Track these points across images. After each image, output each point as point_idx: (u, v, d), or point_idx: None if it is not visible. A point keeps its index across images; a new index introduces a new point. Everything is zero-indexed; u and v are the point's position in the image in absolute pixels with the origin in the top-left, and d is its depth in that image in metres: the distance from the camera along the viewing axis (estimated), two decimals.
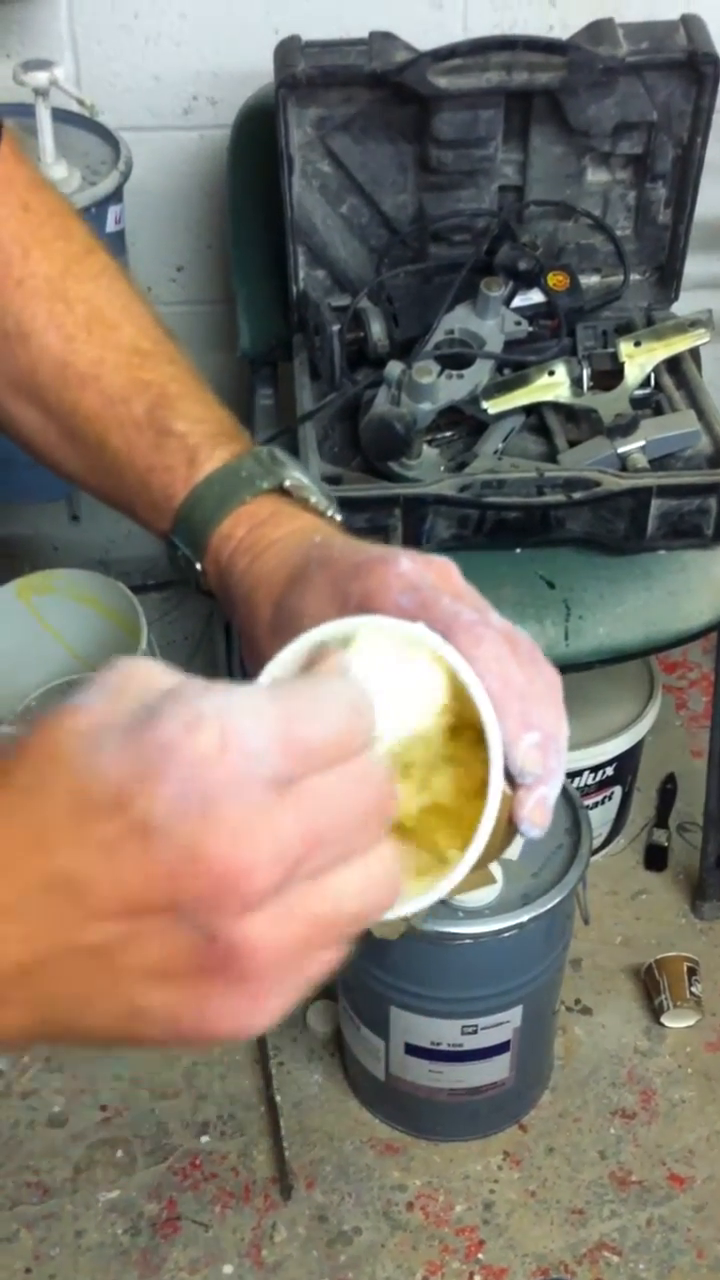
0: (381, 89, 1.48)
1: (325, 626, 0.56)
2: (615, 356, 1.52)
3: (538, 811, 0.60)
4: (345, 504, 0.71)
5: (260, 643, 0.66)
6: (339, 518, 0.71)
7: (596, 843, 1.80)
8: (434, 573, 0.61)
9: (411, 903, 0.55)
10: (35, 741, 0.45)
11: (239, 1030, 0.46)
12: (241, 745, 0.43)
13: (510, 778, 0.59)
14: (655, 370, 1.52)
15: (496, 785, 0.55)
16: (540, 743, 0.59)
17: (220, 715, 0.43)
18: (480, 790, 0.56)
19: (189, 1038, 0.46)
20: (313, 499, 0.71)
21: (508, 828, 0.60)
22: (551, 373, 1.50)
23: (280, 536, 0.68)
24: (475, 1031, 1.45)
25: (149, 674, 0.46)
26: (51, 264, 0.77)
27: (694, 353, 1.56)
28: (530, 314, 1.54)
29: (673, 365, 1.55)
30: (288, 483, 0.70)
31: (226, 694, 0.44)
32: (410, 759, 0.57)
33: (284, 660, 0.56)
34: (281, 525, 0.69)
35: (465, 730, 0.57)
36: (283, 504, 0.70)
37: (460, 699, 0.56)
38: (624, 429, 1.46)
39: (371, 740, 0.47)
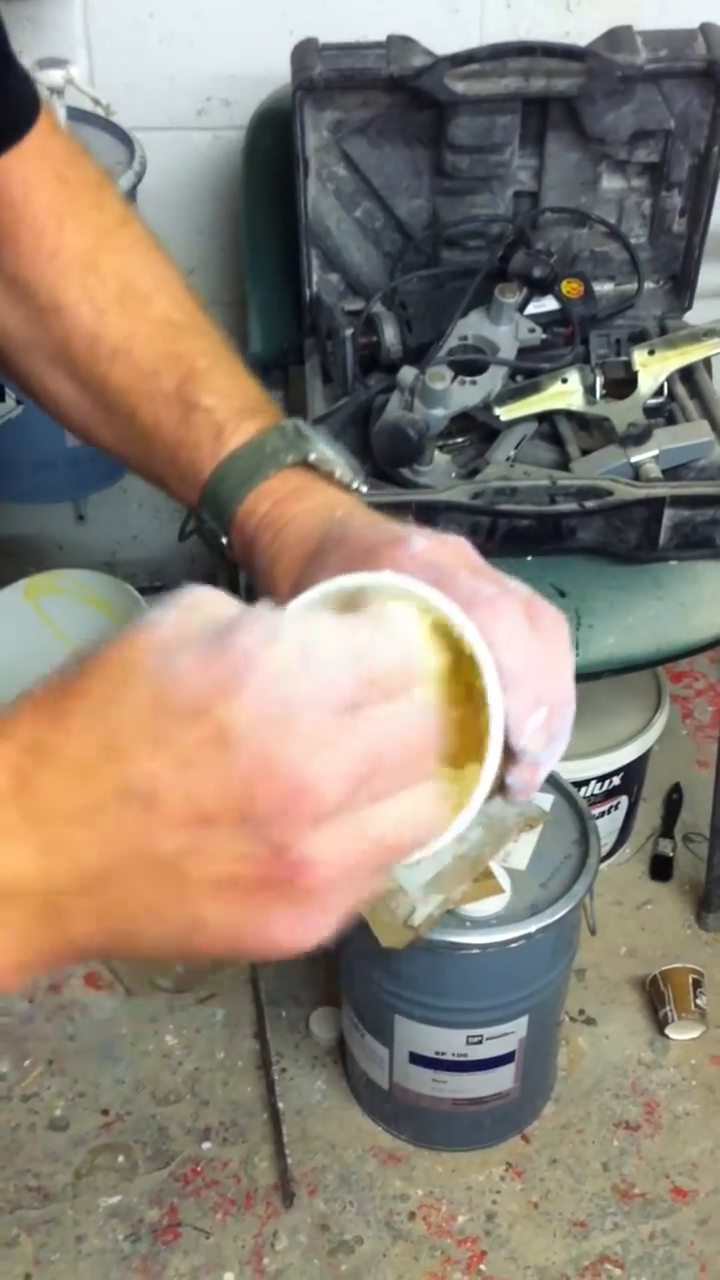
0: (398, 93, 1.48)
1: (345, 578, 0.56)
2: (628, 365, 1.51)
3: (527, 775, 0.61)
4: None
5: None
6: (364, 489, 0.72)
7: (602, 853, 1.79)
8: (448, 551, 0.61)
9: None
10: (109, 654, 0.46)
11: (294, 945, 0.47)
12: (321, 663, 0.45)
13: (511, 751, 0.59)
14: (668, 380, 1.52)
15: (492, 765, 0.55)
16: (546, 721, 0.59)
17: (299, 633, 0.45)
18: (480, 754, 0.56)
19: (245, 949, 0.47)
20: (337, 472, 0.71)
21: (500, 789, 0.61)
22: (564, 380, 1.49)
23: (301, 512, 0.68)
24: (480, 1042, 1.44)
25: (217, 598, 0.47)
26: (85, 236, 0.77)
27: (707, 363, 1.55)
28: (544, 321, 1.53)
29: (686, 375, 1.54)
30: (312, 456, 0.70)
31: (300, 618, 0.46)
32: None
33: (298, 607, 0.56)
34: (303, 500, 0.69)
35: (476, 694, 0.56)
36: (306, 478, 0.70)
37: (474, 668, 0.56)
38: (637, 438, 1.45)
39: (425, 677, 0.48)
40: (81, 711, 0.46)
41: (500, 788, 0.61)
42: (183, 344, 0.76)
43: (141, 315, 0.76)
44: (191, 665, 0.45)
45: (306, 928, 0.47)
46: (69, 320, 0.76)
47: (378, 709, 0.46)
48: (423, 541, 0.61)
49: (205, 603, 0.47)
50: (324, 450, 0.71)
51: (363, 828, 0.46)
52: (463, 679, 0.56)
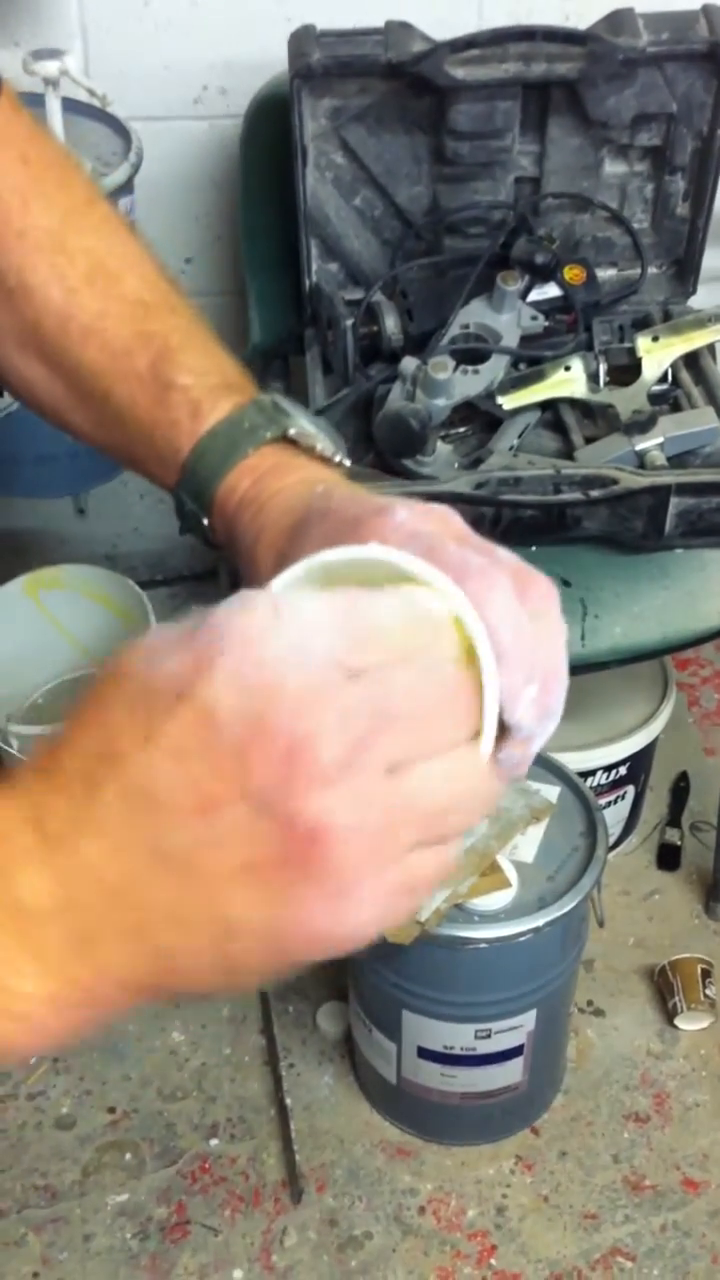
0: (397, 79, 1.46)
1: (329, 552, 0.55)
2: (632, 352, 1.49)
3: (518, 750, 0.59)
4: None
5: None
6: (347, 463, 0.70)
7: (609, 843, 1.78)
8: (433, 520, 0.59)
9: None
10: (102, 670, 0.46)
11: (337, 934, 0.45)
12: (296, 616, 0.43)
13: (504, 726, 0.58)
14: (673, 366, 1.50)
15: (489, 740, 0.53)
16: (538, 695, 0.58)
17: (272, 596, 0.44)
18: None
19: (288, 949, 0.45)
20: (319, 446, 0.69)
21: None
22: (568, 368, 1.48)
23: (282, 488, 0.67)
24: (489, 1036, 1.43)
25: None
26: (51, 216, 0.75)
27: (712, 348, 1.54)
28: (546, 308, 1.52)
29: (690, 361, 1.52)
30: (292, 431, 0.69)
31: (277, 594, 0.45)
32: None
33: (284, 582, 0.54)
34: (284, 476, 0.67)
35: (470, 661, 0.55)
36: (287, 454, 0.69)
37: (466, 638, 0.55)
38: (641, 426, 1.43)
39: (435, 646, 0.46)
40: (80, 725, 0.46)
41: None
42: (155, 322, 0.74)
43: (112, 294, 0.74)
44: (170, 653, 0.44)
45: (344, 911, 0.44)
46: (39, 301, 0.75)
47: (382, 670, 0.44)
48: (406, 511, 0.59)
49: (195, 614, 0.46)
50: (304, 424, 0.69)
51: (382, 792, 0.43)
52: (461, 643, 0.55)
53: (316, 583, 0.55)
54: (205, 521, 0.71)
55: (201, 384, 0.71)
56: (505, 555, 0.59)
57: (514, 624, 0.55)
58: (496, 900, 1.34)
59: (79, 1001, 0.46)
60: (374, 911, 0.45)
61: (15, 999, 0.45)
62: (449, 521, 0.60)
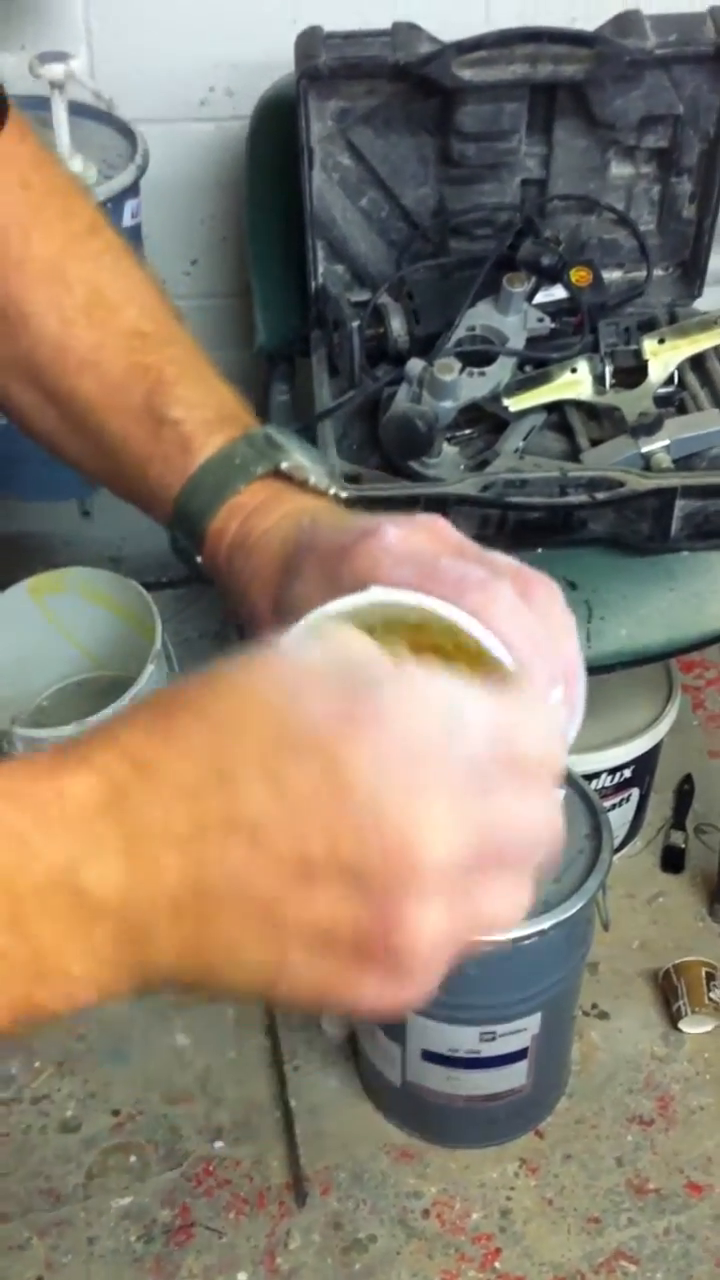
0: (404, 81, 1.46)
1: (333, 604, 0.54)
2: (638, 354, 1.49)
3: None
4: (365, 503, 0.68)
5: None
6: (344, 495, 0.68)
7: (614, 845, 1.78)
8: (425, 537, 0.58)
9: None
10: (233, 678, 0.44)
11: (380, 1008, 0.45)
12: (461, 726, 0.42)
13: None
14: (679, 368, 1.50)
15: None
16: (565, 694, 0.58)
17: (445, 698, 0.43)
18: None
19: (328, 1004, 0.46)
20: (312, 479, 0.68)
21: None
22: (574, 370, 1.48)
23: (269, 526, 0.66)
24: (493, 1038, 1.43)
25: (366, 645, 0.46)
26: (50, 244, 0.75)
27: (718, 350, 1.54)
28: (553, 310, 1.52)
29: (697, 363, 1.52)
30: (284, 465, 0.68)
31: (448, 681, 0.44)
32: None
33: (295, 637, 0.54)
34: (271, 514, 0.66)
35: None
36: (277, 488, 0.68)
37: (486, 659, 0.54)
38: (648, 428, 1.43)
39: (562, 769, 0.47)
40: (196, 732, 0.44)
41: None
42: (151, 354, 0.73)
43: (109, 326, 0.74)
44: (319, 704, 0.43)
45: (396, 994, 0.44)
46: (35, 331, 0.74)
47: (511, 794, 0.44)
48: (394, 530, 0.58)
49: (355, 647, 0.46)
50: (296, 458, 0.68)
51: (466, 907, 0.44)
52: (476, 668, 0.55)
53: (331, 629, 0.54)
54: (199, 560, 0.70)
55: (194, 418, 0.70)
56: (502, 560, 0.59)
57: (527, 632, 0.55)
58: None
59: (120, 985, 0.47)
60: (418, 996, 0.45)
61: (62, 980, 0.46)
62: (439, 533, 0.59)
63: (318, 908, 0.43)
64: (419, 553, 0.57)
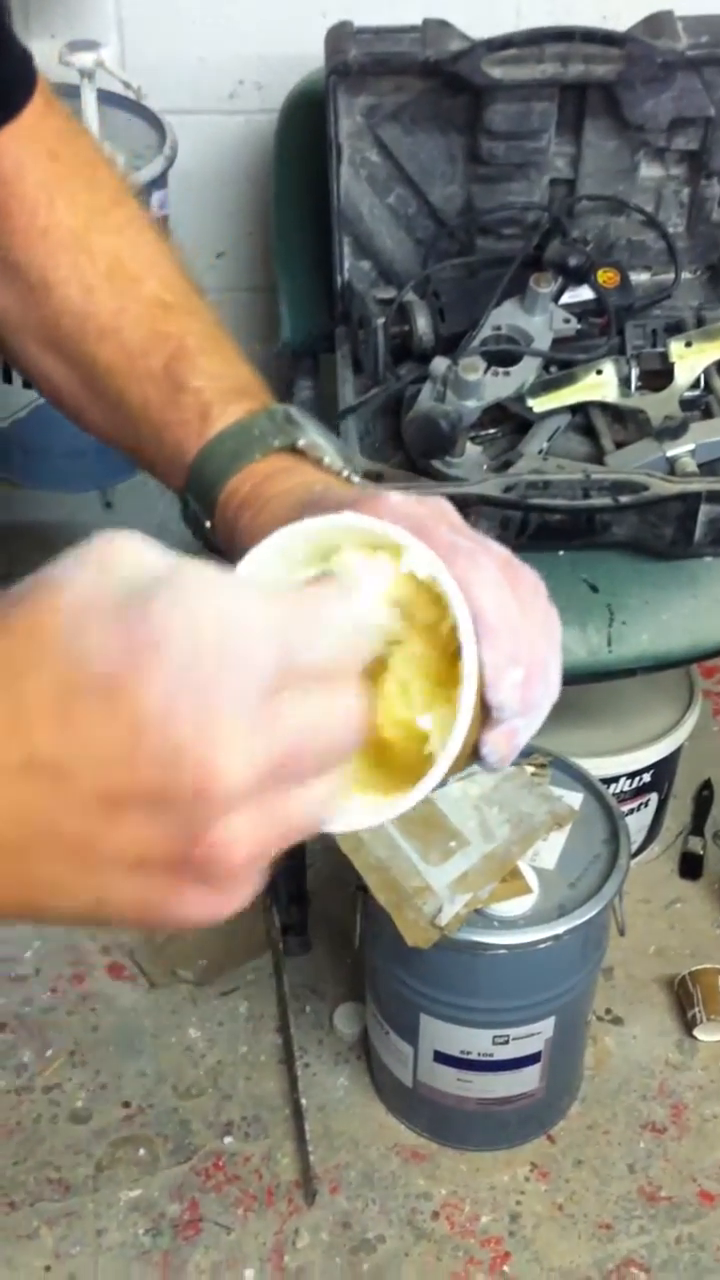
0: (434, 78, 1.45)
1: (303, 523, 0.54)
2: (665, 357, 1.48)
3: (502, 741, 0.60)
4: None
5: None
6: (356, 478, 0.69)
7: (631, 850, 1.78)
8: (427, 509, 0.59)
9: (372, 815, 0.55)
10: (17, 618, 0.44)
11: (204, 920, 0.46)
12: (238, 650, 0.42)
13: (487, 709, 0.58)
14: (705, 372, 1.49)
15: (467, 707, 0.53)
16: (524, 680, 0.58)
17: (220, 616, 0.43)
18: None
19: (153, 923, 0.46)
20: (326, 459, 0.69)
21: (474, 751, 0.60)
22: (599, 372, 1.47)
23: (282, 491, 0.67)
24: (507, 1042, 1.42)
25: (136, 551, 0.44)
26: (76, 215, 0.76)
27: None
28: (579, 311, 1.51)
29: None
30: (301, 442, 0.69)
31: (225, 591, 0.43)
32: (403, 675, 0.56)
33: (260, 556, 0.55)
34: (284, 481, 0.67)
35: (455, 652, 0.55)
36: (292, 462, 0.69)
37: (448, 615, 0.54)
38: (673, 431, 1.42)
39: (362, 665, 0.47)
40: None
41: (475, 755, 0.60)
42: (173, 324, 0.74)
43: (131, 295, 0.75)
44: (103, 641, 0.42)
45: (219, 904, 0.46)
46: (58, 298, 0.75)
47: (303, 697, 0.44)
48: (401, 496, 0.59)
49: (124, 556, 0.44)
50: (314, 437, 0.69)
51: (278, 812, 0.45)
52: (439, 641, 0.55)
53: (298, 558, 0.55)
54: (208, 524, 0.71)
55: (214, 387, 0.71)
56: (496, 547, 0.60)
57: (499, 603, 0.56)
58: (517, 906, 1.34)
59: None
60: (240, 901, 0.46)
61: None
62: (442, 510, 0.61)
63: (129, 836, 0.44)
64: (419, 516, 0.58)
